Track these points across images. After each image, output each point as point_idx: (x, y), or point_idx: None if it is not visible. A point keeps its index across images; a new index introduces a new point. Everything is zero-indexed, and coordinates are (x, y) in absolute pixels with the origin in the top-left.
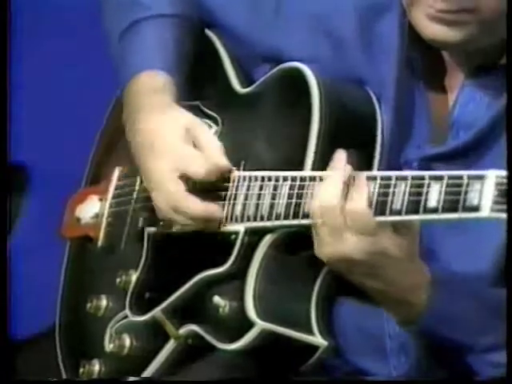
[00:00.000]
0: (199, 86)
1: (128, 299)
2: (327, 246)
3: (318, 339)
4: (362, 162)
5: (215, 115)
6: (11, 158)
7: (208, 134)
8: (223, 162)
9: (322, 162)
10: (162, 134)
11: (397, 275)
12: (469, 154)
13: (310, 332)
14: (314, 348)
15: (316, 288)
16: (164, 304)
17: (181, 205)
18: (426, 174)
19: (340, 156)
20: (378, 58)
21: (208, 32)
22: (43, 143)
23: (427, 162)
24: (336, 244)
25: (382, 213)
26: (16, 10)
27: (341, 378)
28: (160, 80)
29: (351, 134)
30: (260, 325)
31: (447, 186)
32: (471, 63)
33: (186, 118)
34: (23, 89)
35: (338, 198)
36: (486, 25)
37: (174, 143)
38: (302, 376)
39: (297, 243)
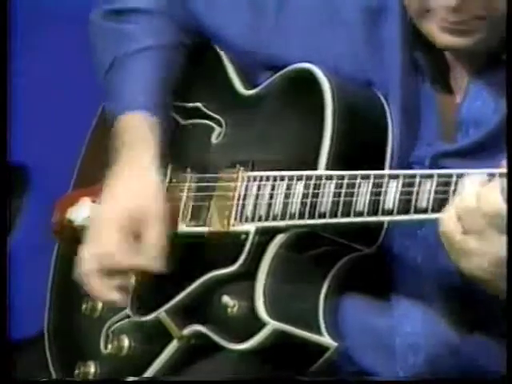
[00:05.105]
0: (201, 88)
1: (130, 299)
2: (477, 256)
3: (327, 340)
4: (374, 161)
5: (218, 117)
6: (11, 158)
7: (155, 228)
8: (156, 265)
9: (336, 162)
10: (113, 202)
11: None
12: (480, 151)
13: (319, 332)
14: (322, 349)
15: (324, 288)
16: (169, 304)
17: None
18: (454, 171)
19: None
20: (383, 60)
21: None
22: (43, 143)
23: (439, 160)
24: (487, 249)
25: (407, 211)
26: (16, 10)
27: (346, 377)
28: (139, 127)
29: (363, 134)
30: (272, 324)
31: None
32: (476, 62)
33: (143, 197)
34: (23, 88)
35: (475, 201)
36: (497, 27)
37: (113, 231)
38: (306, 375)
39: (306, 243)
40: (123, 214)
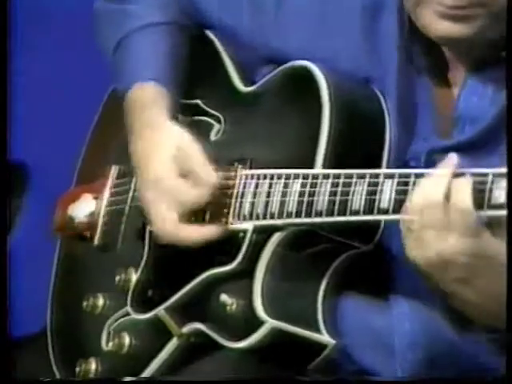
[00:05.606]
0: (200, 85)
1: (130, 297)
2: (427, 248)
3: (325, 338)
4: (371, 159)
5: (217, 113)
6: (11, 157)
7: (197, 156)
8: (215, 182)
9: (333, 160)
10: (150, 160)
11: (491, 282)
12: (477, 148)
13: (317, 330)
14: (321, 347)
15: (323, 286)
16: (168, 302)
17: (174, 236)
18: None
19: (452, 157)
20: (380, 56)
21: (208, 33)
22: (43, 142)
23: (434, 156)
24: (438, 245)
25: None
26: (16, 10)
27: (345, 376)
28: (150, 92)
29: (360, 131)
30: (270, 323)
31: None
32: (473, 57)
33: (174, 138)
34: (23, 88)
35: (442, 196)
36: (496, 17)
37: (162, 173)
38: (306, 374)
39: (304, 241)
40: (169, 165)
